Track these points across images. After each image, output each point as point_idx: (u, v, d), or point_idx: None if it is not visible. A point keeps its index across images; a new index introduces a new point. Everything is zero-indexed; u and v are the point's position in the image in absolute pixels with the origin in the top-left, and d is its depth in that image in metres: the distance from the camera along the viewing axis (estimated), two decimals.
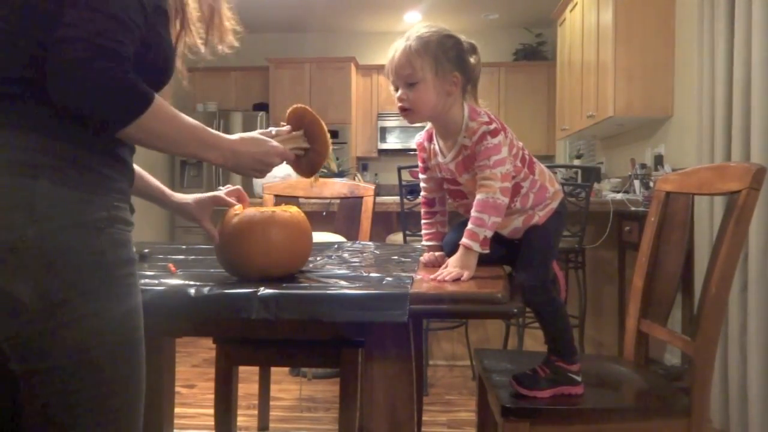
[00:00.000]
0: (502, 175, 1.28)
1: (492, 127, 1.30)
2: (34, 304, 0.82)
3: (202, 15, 1.10)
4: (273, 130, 1.23)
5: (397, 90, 1.31)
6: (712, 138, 2.53)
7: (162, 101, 0.92)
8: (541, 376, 1.35)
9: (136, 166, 1.20)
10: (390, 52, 1.31)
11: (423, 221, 1.49)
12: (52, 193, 0.83)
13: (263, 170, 1.16)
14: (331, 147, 1.29)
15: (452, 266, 1.25)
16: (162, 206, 1.39)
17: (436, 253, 1.45)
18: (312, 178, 1.32)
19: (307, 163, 1.28)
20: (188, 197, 1.40)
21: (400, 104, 1.31)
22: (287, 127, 1.26)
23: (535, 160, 1.41)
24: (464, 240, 1.27)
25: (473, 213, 1.29)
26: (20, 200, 0.81)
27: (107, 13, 0.84)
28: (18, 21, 0.87)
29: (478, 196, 1.29)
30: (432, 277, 1.24)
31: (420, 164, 1.48)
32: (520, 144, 1.38)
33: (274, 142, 1.18)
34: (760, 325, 2.18)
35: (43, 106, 0.85)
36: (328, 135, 1.29)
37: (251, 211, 1.21)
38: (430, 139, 1.43)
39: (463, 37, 1.33)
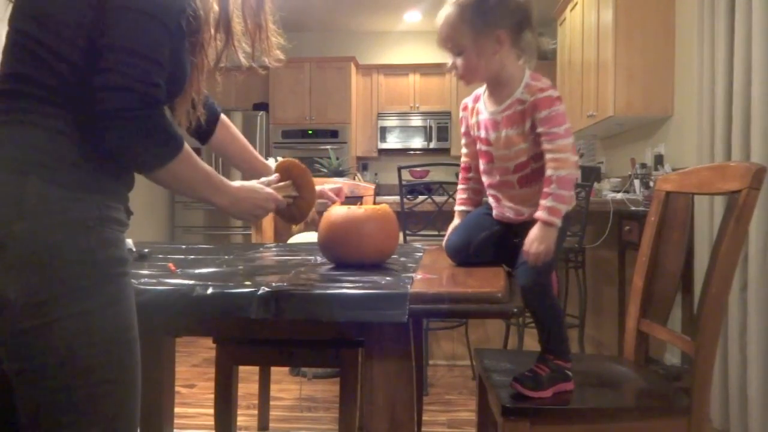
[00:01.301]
0: (572, 146, 1.28)
1: (557, 94, 1.29)
2: (20, 301, 0.81)
3: (246, 29, 1.16)
4: (265, 180, 1.31)
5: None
6: (712, 138, 2.53)
7: (187, 147, 0.98)
8: (542, 376, 1.35)
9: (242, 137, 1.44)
10: (438, 19, 1.32)
11: (459, 186, 1.53)
12: (41, 190, 0.83)
13: (259, 215, 1.24)
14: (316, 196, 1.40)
15: (535, 244, 1.26)
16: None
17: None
18: (294, 226, 1.43)
19: (296, 210, 1.37)
20: None
21: (453, 72, 1.35)
22: (276, 176, 1.34)
23: None
24: (547, 217, 1.26)
25: (551, 189, 1.27)
26: (9, 196, 0.82)
27: (144, 56, 0.87)
28: (45, 34, 0.88)
29: (558, 172, 1.27)
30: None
31: (462, 128, 1.50)
32: None
33: (270, 189, 1.25)
34: (760, 325, 2.18)
35: (47, 105, 0.87)
36: (314, 184, 1.40)
37: (354, 208, 1.36)
38: (476, 100, 1.43)
39: None
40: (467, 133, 1.48)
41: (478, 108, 1.42)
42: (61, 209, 0.84)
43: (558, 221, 1.27)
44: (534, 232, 1.28)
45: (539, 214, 1.28)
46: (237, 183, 1.18)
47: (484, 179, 1.46)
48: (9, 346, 0.84)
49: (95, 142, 0.88)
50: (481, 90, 1.44)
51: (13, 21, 0.92)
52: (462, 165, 1.53)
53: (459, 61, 1.32)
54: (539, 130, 1.30)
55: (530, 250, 1.27)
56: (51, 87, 0.88)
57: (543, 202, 1.28)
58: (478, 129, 1.41)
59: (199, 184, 1.05)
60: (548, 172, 1.28)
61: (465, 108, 1.47)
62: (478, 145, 1.43)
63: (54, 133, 0.87)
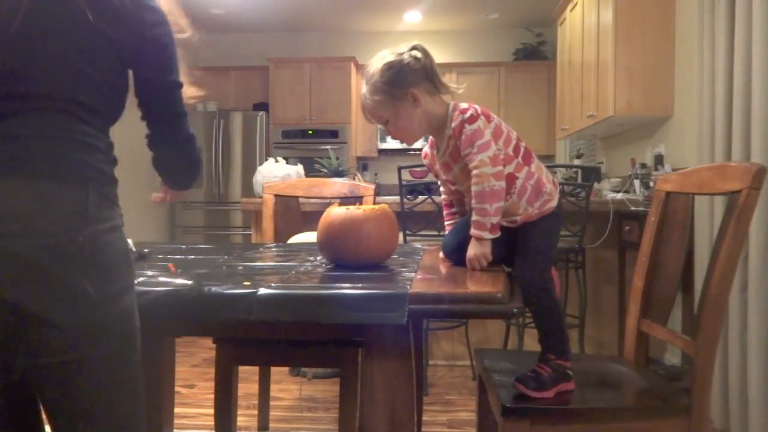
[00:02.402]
0: (491, 159, 1.31)
1: (468, 114, 1.34)
2: (96, 296, 0.93)
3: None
4: None
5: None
6: (712, 138, 2.53)
7: None
8: (544, 377, 1.35)
9: None
10: (360, 99, 1.42)
11: (445, 222, 1.61)
12: (96, 200, 0.96)
13: None
14: None
15: (470, 257, 1.33)
16: None
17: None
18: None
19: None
20: None
21: (392, 138, 1.46)
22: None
23: (533, 155, 1.42)
24: (473, 231, 1.33)
25: (474, 205, 1.33)
26: (77, 206, 0.93)
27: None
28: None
29: (474, 188, 1.32)
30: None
31: (429, 171, 1.57)
32: (515, 135, 1.41)
33: None
34: (760, 325, 2.18)
35: (90, 127, 0.99)
36: None
37: (353, 208, 1.37)
38: (432, 146, 1.50)
39: (404, 52, 1.37)
40: (437, 176, 1.55)
41: (434, 154, 1.49)
42: (109, 216, 0.98)
43: (484, 234, 1.32)
44: (470, 246, 1.34)
45: (471, 229, 1.34)
46: None
47: (468, 206, 1.49)
48: (81, 336, 0.93)
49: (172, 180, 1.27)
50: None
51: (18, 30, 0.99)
52: (444, 202, 1.61)
53: (390, 128, 1.41)
54: (462, 153, 1.35)
55: (467, 256, 1.34)
56: (94, 111, 1.00)
57: (471, 218, 1.34)
58: (443, 173, 1.48)
59: None
60: (471, 188, 1.34)
61: (425, 156, 1.54)
62: (451, 186, 1.52)
63: (98, 153, 1.00)
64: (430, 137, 1.48)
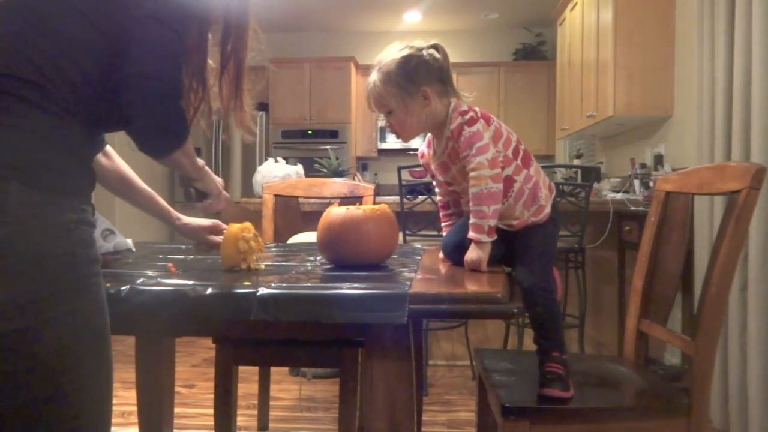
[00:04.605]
0: (489, 162, 1.30)
1: (468, 116, 1.33)
2: (9, 304, 0.83)
3: (221, 94, 1.22)
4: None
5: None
6: (712, 138, 2.53)
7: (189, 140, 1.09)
8: (564, 375, 1.35)
9: (148, 188, 1.50)
10: (367, 86, 1.40)
11: (442, 223, 1.58)
12: (23, 194, 0.84)
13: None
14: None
15: (469, 261, 1.31)
16: (168, 225, 1.57)
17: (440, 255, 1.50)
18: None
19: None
20: (192, 221, 1.55)
21: (388, 129, 1.42)
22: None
23: (532, 158, 1.42)
24: (471, 234, 1.31)
25: (471, 207, 1.32)
26: None
27: (169, 56, 0.97)
28: (31, 32, 0.91)
29: (472, 190, 1.31)
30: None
31: (425, 170, 1.55)
32: (515, 137, 1.40)
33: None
34: (760, 325, 2.18)
35: (33, 108, 0.88)
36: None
37: (353, 208, 1.36)
38: (429, 146, 1.49)
39: (423, 48, 1.36)
40: (434, 176, 1.53)
41: (431, 154, 1.47)
42: (43, 213, 0.86)
43: (482, 237, 1.30)
44: (469, 250, 1.32)
45: (469, 233, 1.32)
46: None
47: (466, 207, 1.48)
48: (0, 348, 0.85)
49: (131, 127, 0.96)
50: (429, 135, 1.49)
51: None
52: (439, 204, 1.58)
53: (392, 120, 1.39)
54: (460, 155, 1.34)
55: (466, 259, 1.32)
56: (33, 85, 0.89)
57: (469, 221, 1.33)
58: (439, 173, 1.47)
59: (187, 166, 1.19)
60: (469, 190, 1.33)
61: (422, 156, 1.52)
62: (449, 187, 1.50)
63: (34, 136, 0.88)
64: (428, 136, 1.48)
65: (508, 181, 1.36)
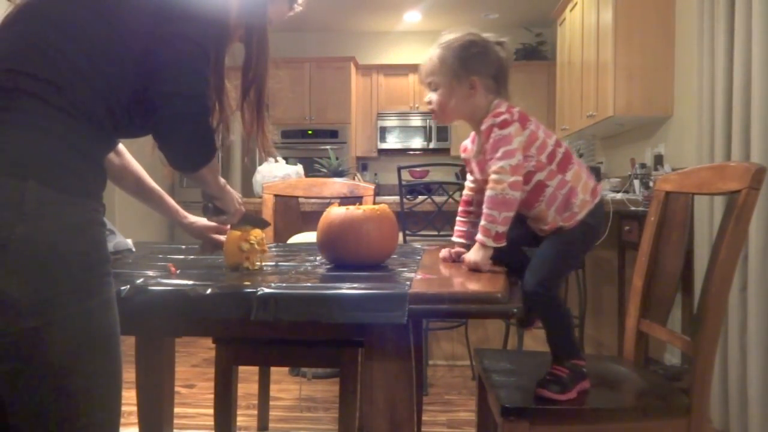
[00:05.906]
0: (512, 168, 1.28)
1: (500, 119, 1.31)
2: (24, 301, 0.84)
3: (243, 118, 1.24)
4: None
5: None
6: (712, 138, 2.53)
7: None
8: (564, 378, 1.34)
9: (158, 187, 1.55)
10: (424, 58, 1.39)
11: (458, 218, 1.54)
12: (40, 194, 0.86)
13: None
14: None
15: (469, 262, 1.30)
16: (176, 223, 1.60)
17: (453, 249, 1.47)
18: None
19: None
20: (198, 221, 1.58)
21: (428, 106, 1.41)
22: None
23: (574, 162, 1.37)
24: (478, 236, 1.30)
25: (484, 209, 1.30)
26: (10, 200, 0.84)
27: (195, 70, 0.99)
28: (53, 33, 0.93)
29: (488, 193, 1.29)
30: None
31: (466, 166, 1.52)
32: (552, 141, 1.36)
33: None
34: (760, 325, 2.18)
35: (50, 108, 0.89)
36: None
37: (352, 209, 1.36)
38: (473, 141, 1.46)
39: (491, 39, 1.36)
40: (471, 172, 1.50)
41: (473, 150, 1.45)
42: (59, 213, 0.88)
43: (488, 240, 1.28)
44: (471, 250, 1.32)
45: (477, 235, 1.31)
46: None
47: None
48: (10, 346, 0.86)
49: (162, 142, 1.00)
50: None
51: (16, 19, 0.95)
52: (463, 198, 1.54)
53: (434, 97, 1.38)
54: (486, 156, 1.33)
55: (466, 259, 1.32)
56: (51, 84, 0.90)
57: (480, 222, 1.32)
58: (476, 170, 1.44)
59: (210, 182, 1.23)
60: (486, 191, 1.31)
61: (464, 150, 1.49)
62: (480, 184, 1.46)
63: (52, 137, 0.89)
64: (472, 133, 1.45)
65: (540, 186, 1.33)
